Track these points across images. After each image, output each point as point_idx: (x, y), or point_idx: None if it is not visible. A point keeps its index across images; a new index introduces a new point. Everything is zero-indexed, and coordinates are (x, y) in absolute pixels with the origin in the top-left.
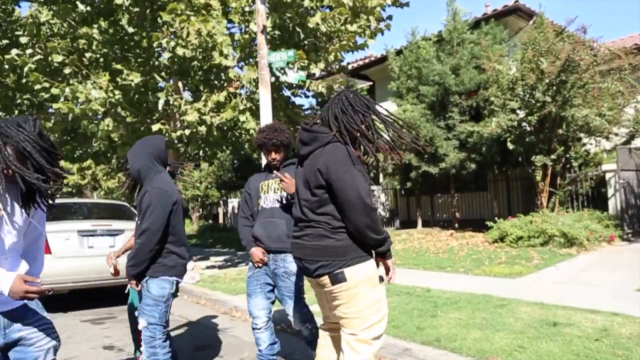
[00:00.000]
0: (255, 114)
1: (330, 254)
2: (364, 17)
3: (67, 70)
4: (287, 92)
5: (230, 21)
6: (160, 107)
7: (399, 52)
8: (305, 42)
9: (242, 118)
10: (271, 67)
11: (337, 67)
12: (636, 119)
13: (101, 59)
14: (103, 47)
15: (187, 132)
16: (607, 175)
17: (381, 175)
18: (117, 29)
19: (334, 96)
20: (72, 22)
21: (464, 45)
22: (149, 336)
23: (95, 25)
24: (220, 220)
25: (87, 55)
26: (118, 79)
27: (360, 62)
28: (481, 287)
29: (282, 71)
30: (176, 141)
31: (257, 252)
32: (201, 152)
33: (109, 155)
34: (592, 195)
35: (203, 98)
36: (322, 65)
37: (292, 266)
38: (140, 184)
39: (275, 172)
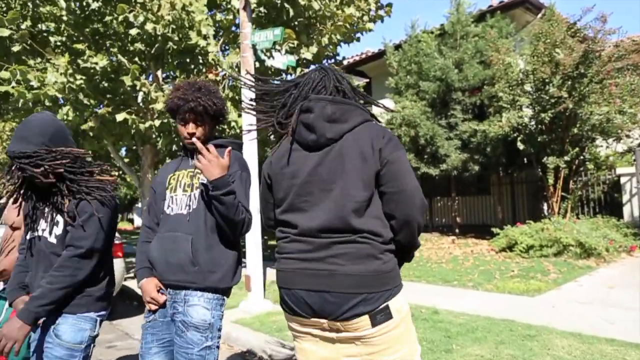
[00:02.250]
0: (239, 104)
1: (377, 283)
2: None
3: (15, 48)
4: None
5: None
6: (140, 96)
7: (397, 47)
8: (296, 22)
9: None
10: (255, 49)
11: (333, 61)
12: None
13: (68, 42)
14: (71, 29)
15: (157, 122)
16: (622, 180)
17: None
18: (82, 6)
19: (315, 70)
20: None
21: (468, 38)
22: None
23: (64, 5)
24: None
25: (52, 39)
26: (80, 61)
27: (357, 58)
28: (497, 307)
29: (268, 54)
30: (154, 135)
31: (148, 286)
32: (174, 147)
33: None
34: (604, 200)
35: (176, 83)
36: (314, 49)
37: (196, 313)
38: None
39: (194, 159)
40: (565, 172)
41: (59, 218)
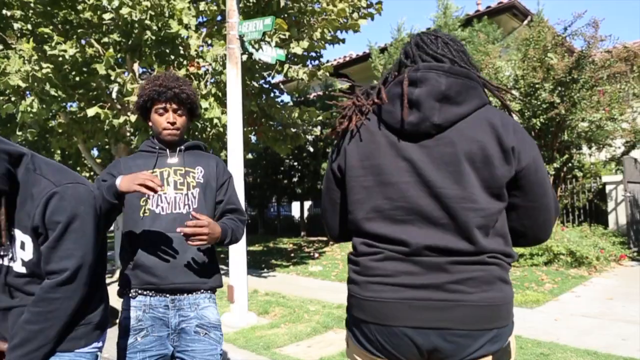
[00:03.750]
0: (222, 101)
1: (508, 313)
2: None
3: None
4: (262, 81)
5: None
6: (115, 91)
7: (383, 50)
8: (285, 14)
9: (204, 104)
10: (243, 41)
11: (317, 62)
12: (635, 127)
13: (35, 30)
14: (39, 16)
15: (132, 117)
16: (608, 188)
17: None
18: None
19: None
20: None
21: None
22: None
23: None
24: None
25: (17, 25)
26: (46, 48)
27: (340, 60)
28: None
29: (257, 45)
30: (128, 132)
31: (130, 176)
32: None
33: (52, 149)
34: (590, 208)
35: (154, 74)
36: (305, 43)
37: (211, 314)
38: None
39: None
40: (551, 179)
41: (24, 236)
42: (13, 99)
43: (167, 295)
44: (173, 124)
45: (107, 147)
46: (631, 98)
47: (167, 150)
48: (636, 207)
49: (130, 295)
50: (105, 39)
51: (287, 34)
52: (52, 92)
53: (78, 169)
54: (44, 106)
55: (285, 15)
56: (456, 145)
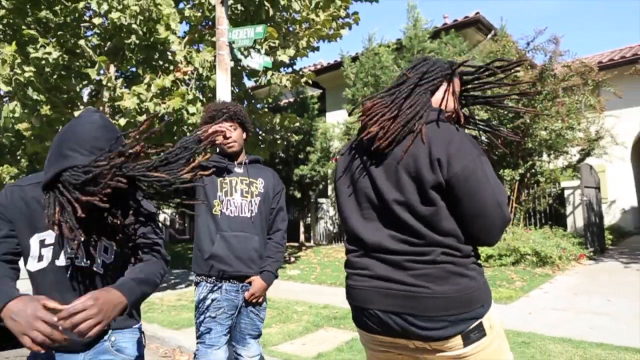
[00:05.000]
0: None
1: (467, 302)
2: (337, 3)
3: None
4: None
5: None
6: (86, 94)
7: (354, 59)
8: (272, 23)
9: (191, 109)
10: (232, 48)
11: (290, 70)
12: (589, 136)
13: (9, 30)
14: (14, 15)
15: (122, 121)
16: (566, 192)
17: (329, 188)
18: None
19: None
20: None
21: (425, 53)
22: None
23: None
24: None
25: None
26: (30, 50)
27: (312, 68)
28: None
29: (247, 52)
30: None
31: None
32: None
33: (18, 153)
34: (550, 212)
35: (146, 80)
36: (291, 52)
37: (263, 298)
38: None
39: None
40: (516, 185)
41: (107, 242)
42: None
43: (237, 283)
44: (228, 137)
45: None
46: (584, 109)
47: (235, 162)
48: (592, 210)
49: (208, 282)
50: (82, 42)
51: (277, 42)
52: (35, 96)
53: None
54: (26, 111)
55: (272, 23)
56: (398, 158)
